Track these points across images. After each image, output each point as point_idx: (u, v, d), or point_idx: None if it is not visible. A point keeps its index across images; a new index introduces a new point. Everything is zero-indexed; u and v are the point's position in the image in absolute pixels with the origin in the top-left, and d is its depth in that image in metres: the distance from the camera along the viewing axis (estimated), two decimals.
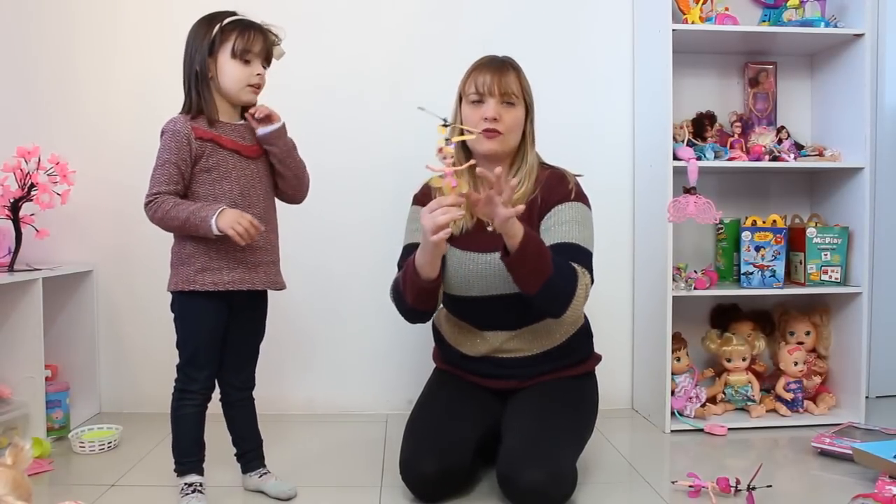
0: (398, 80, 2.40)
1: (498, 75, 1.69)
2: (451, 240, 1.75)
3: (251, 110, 1.62)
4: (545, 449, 1.56)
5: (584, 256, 1.67)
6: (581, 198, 1.74)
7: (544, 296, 1.58)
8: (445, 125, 1.49)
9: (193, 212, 1.51)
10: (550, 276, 1.55)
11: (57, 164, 2.09)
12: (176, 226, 1.54)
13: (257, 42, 1.58)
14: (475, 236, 1.73)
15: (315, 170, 2.34)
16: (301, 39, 2.34)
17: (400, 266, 1.76)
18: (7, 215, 2.06)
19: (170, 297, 1.61)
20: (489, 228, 1.72)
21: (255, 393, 1.74)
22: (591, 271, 1.68)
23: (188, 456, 1.62)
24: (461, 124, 1.73)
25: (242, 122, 1.64)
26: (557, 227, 1.67)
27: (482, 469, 1.78)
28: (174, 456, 1.63)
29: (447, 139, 1.48)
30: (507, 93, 1.69)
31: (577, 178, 1.78)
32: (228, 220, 1.50)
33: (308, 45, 2.37)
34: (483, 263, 1.71)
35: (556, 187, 1.73)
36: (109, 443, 2.02)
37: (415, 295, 1.64)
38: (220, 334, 1.63)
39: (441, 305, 1.78)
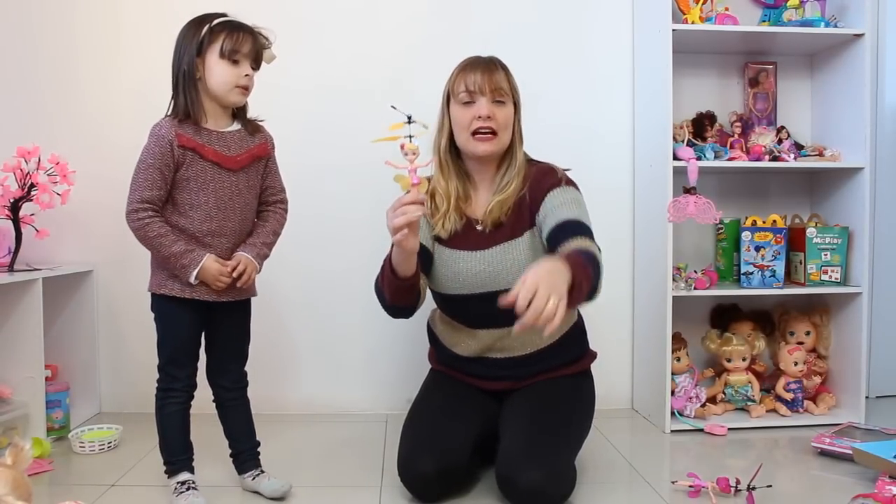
0: (398, 80, 2.40)
1: (488, 74, 1.69)
2: (440, 239, 1.76)
3: (235, 274, 1.59)
4: (543, 449, 1.56)
5: (588, 230, 1.62)
6: (571, 183, 1.74)
7: (591, 298, 1.51)
8: (409, 122, 1.46)
9: (176, 255, 1.53)
10: (592, 282, 1.46)
11: (57, 164, 2.09)
12: (154, 254, 1.58)
13: (246, 43, 1.57)
14: (465, 235, 1.74)
15: (314, 169, 2.36)
16: (301, 40, 2.35)
17: None
18: (7, 215, 2.06)
19: None
20: (479, 227, 1.73)
21: (253, 393, 1.74)
22: (592, 237, 1.62)
23: (177, 455, 1.63)
24: (450, 125, 1.74)
25: (233, 128, 1.63)
26: (555, 210, 1.65)
27: (480, 469, 1.78)
28: (163, 456, 1.64)
29: (410, 136, 1.45)
30: (497, 90, 1.69)
31: (566, 171, 1.77)
32: (210, 278, 1.56)
33: (308, 46, 2.38)
34: (473, 261, 1.71)
35: (544, 180, 1.72)
36: (109, 443, 2.02)
37: (392, 292, 1.64)
38: (199, 333, 1.64)
39: (423, 300, 1.76)
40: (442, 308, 1.84)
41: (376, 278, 1.73)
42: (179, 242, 1.54)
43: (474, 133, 1.69)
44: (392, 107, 1.47)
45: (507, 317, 1.71)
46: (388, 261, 1.63)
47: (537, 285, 1.26)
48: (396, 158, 1.47)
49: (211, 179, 1.57)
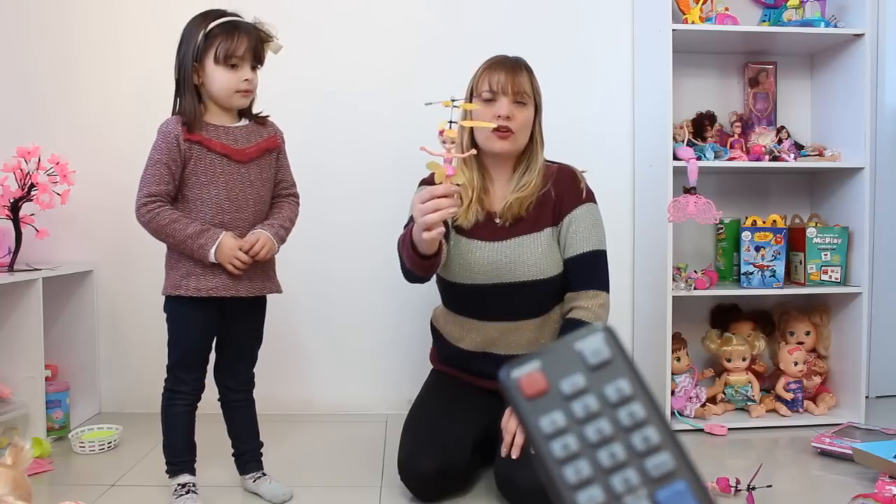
0: (399, 81, 2.40)
1: (512, 75, 1.71)
2: (459, 228, 1.76)
3: (251, 249, 1.55)
4: None
5: (603, 263, 1.75)
6: (591, 196, 1.79)
7: None
8: (453, 105, 1.33)
9: (192, 236, 1.51)
10: None
11: (57, 164, 2.09)
12: (169, 242, 1.55)
13: (241, 45, 1.54)
14: (484, 225, 1.74)
15: (316, 171, 2.36)
16: (302, 41, 2.35)
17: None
18: (7, 215, 2.06)
19: None
20: (497, 220, 1.74)
21: (255, 393, 1.74)
22: (607, 274, 1.75)
23: (179, 456, 1.62)
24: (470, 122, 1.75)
25: (240, 123, 1.62)
26: (577, 236, 1.73)
27: (480, 468, 1.78)
28: (165, 456, 1.63)
29: (451, 122, 1.34)
30: (520, 92, 1.70)
31: (583, 173, 1.81)
32: (227, 255, 1.52)
33: (309, 47, 2.37)
34: (489, 251, 1.72)
35: (569, 184, 1.77)
36: (109, 443, 2.02)
37: (411, 262, 1.60)
38: (210, 338, 1.64)
39: (441, 266, 1.72)
40: (449, 300, 1.84)
41: (398, 239, 1.68)
42: (194, 224, 1.52)
43: (493, 131, 1.70)
44: (427, 104, 1.32)
45: (515, 310, 1.73)
46: (408, 237, 1.57)
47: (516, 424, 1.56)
48: (433, 144, 1.37)
49: (220, 172, 1.56)
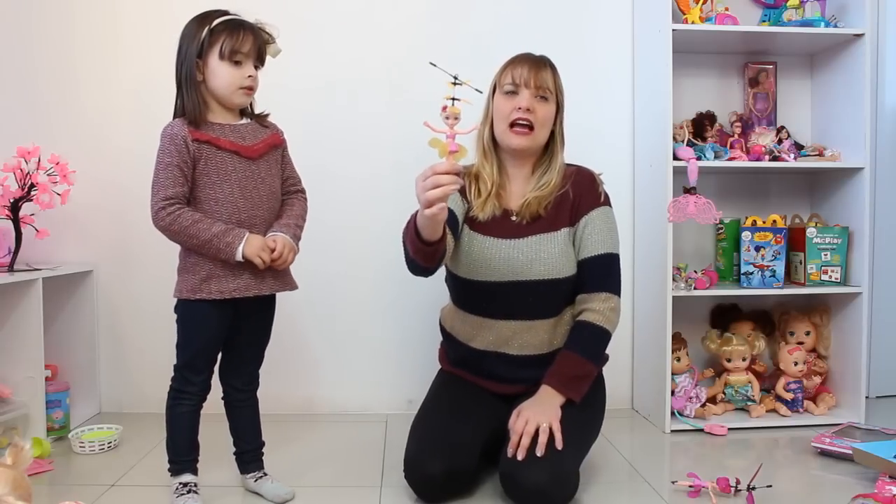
0: (398, 81, 2.40)
1: (535, 69, 1.72)
2: (474, 225, 1.76)
3: (275, 253, 1.56)
4: (549, 450, 1.55)
5: (616, 267, 1.76)
6: (607, 200, 1.80)
7: (601, 366, 1.80)
8: (455, 83, 1.37)
9: (217, 235, 1.50)
10: (598, 368, 1.77)
11: (57, 164, 2.09)
12: (192, 244, 1.52)
13: (247, 42, 1.55)
14: (500, 222, 1.75)
15: (317, 171, 2.34)
16: (301, 41, 2.35)
17: None
18: (7, 215, 2.06)
19: (171, 297, 1.60)
20: (513, 218, 1.74)
21: (257, 392, 1.73)
22: (619, 278, 1.76)
23: (182, 455, 1.62)
24: (492, 115, 1.76)
25: (243, 121, 1.62)
26: (592, 237, 1.74)
27: (485, 470, 1.78)
28: (168, 455, 1.63)
29: (454, 98, 1.36)
30: (542, 87, 1.72)
31: (600, 175, 1.83)
32: (254, 250, 1.52)
33: (308, 47, 2.37)
34: (506, 248, 1.72)
35: (588, 186, 1.78)
36: (109, 443, 2.02)
37: (414, 250, 1.59)
38: (221, 341, 1.63)
39: (446, 259, 1.71)
40: (462, 298, 1.82)
41: (403, 230, 1.66)
42: (218, 223, 1.51)
43: (512, 125, 1.71)
44: (431, 63, 1.37)
45: (530, 309, 1.73)
46: (412, 223, 1.56)
47: (527, 420, 1.57)
48: (436, 121, 1.37)
49: (232, 170, 1.55)
